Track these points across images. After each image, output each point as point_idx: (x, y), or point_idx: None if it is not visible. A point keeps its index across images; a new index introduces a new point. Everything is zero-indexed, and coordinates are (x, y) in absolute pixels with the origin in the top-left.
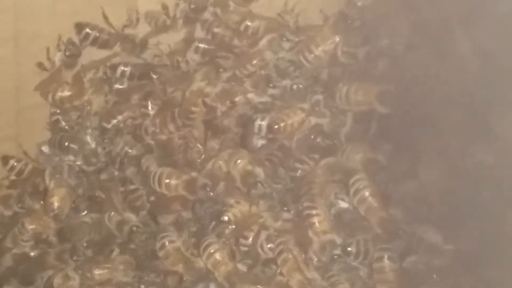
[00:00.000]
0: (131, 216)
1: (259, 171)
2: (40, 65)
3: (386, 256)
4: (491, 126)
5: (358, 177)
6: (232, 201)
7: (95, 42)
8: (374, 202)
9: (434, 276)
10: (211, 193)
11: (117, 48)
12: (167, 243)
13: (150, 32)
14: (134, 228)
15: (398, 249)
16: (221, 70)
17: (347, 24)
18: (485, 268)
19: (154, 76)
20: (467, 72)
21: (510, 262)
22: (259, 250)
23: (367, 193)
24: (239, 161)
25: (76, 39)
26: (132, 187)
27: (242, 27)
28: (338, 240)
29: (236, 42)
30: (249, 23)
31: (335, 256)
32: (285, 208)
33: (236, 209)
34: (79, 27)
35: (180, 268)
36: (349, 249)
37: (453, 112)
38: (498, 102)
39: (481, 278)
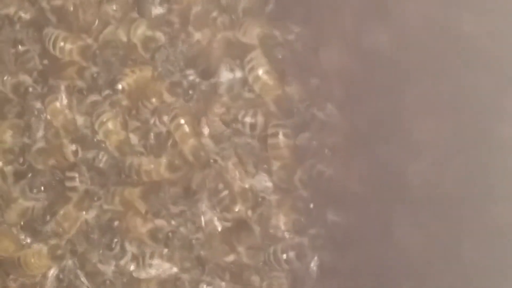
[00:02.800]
0: (25, 77)
1: (160, 35)
2: None
3: (281, 133)
4: (388, 6)
5: (254, 54)
6: (127, 70)
7: None
8: (270, 80)
9: (326, 151)
10: (106, 61)
11: None
12: (58, 104)
13: None
14: (30, 89)
15: (293, 126)
16: None
17: None
18: (378, 145)
19: None
20: None
21: (402, 139)
22: (151, 122)
23: (261, 71)
24: (138, 27)
25: None
26: (23, 48)
27: None
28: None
29: None
30: None
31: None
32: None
33: (131, 79)
34: None
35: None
36: (246, 119)
37: None
38: None
39: (373, 155)
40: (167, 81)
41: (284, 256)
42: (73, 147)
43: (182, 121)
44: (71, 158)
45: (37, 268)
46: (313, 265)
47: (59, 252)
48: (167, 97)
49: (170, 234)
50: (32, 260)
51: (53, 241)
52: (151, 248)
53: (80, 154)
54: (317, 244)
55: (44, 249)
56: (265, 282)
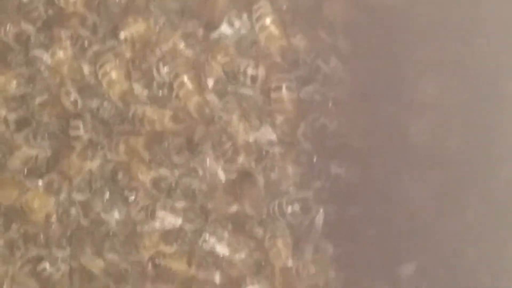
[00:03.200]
0: (27, 27)
1: None
2: None
3: (284, 86)
4: None
5: (262, 3)
6: (130, 19)
7: None
8: (275, 30)
9: (330, 104)
10: (109, 11)
11: None
12: (61, 53)
13: None
14: (32, 39)
15: (297, 79)
16: None
17: None
18: (382, 101)
19: None
20: None
21: (406, 96)
22: (155, 73)
23: (268, 21)
24: None
25: None
26: None
27: None
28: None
29: None
30: None
31: (233, 82)
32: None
33: (134, 28)
34: None
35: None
36: (248, 71)
37: None
38: None
39: (377, 111)
40: (170, 32)
41: (289, 209)
42: (72, 97)
43: (185, 79)
44: (72, 108)
45: (40, 212)
46: (318, 218)
47: (63, 196)
48: (171, 48)
49: (173, 184)
50: (35, 205)
51: (56, 186)
52: (155, 199)
53: (80, 104)
54: (321, 198)
55: (48, 193)
56: (268, 234)
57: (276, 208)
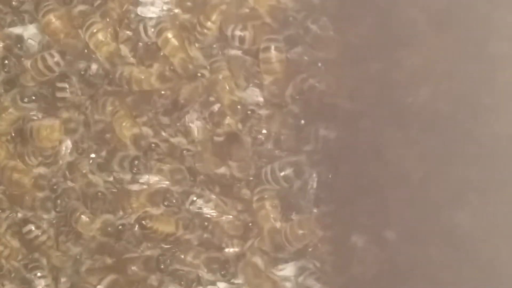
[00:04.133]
0: None
1: None
2: None
3: (273, 47)
4: None
5: None
6: None
7: None
8: None
9: (319, 64)
10: None
11: None
12: (53, 18)
13: None
14: None
15: (285, 40)
16: None
17: None
18: (370, 63)
19: None
20: None
21: (394, 57)
22: (142, 34)
23: None
24: None
25: None
26: None
27: None
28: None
29: None
30: None
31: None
32: None
33: None
34: None
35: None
36: (236, 32)
37: None
38: None
39: (366, 72)
40: None
41: (282, 173)
42: (55, 58)
43: (170, 35)
44: (55, 69)
45: (27, 176)
46: (311, 181)
47: (72, 125)
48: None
49: (153, 144)
50: (44, 133)
51: (65, 115)
52: (142, 160)
53: (62, 64)
54: (313, 160)
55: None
56: (256, 195)
57: (269, 173)
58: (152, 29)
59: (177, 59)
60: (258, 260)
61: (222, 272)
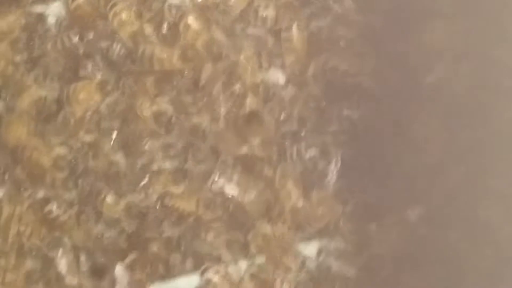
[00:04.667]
0: None
1: None
2: None
3: (295, 26)
4: None
5: None
6: None
7: None
8: None
9: (341, 44)
10: None
11: None
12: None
13: None
14: None
15: (308, 19)
16: None
17: None
18: (392, 43)
19: None
20: None
21: (416, 38)
22: (166, 13)
23: None
24: None
25: None
26: None
27: None
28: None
29: None
30: None
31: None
32: None
33: None
34: None
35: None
36: (259, 12)
37: None
38: None
39: (388, 52)
40: None
41: (306, 153)
42: (77, 37)
43: (192, 17)
44: (78, 48)
45: (48, 155)
46: (335, 161)
47: (109, 87)
48: None
49: (173, 119)
50: (81, 95)
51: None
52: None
53: (84, 43)
54: (337, 140)
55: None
56: (279, 174)
57: (293, 152)
58: (175, 10)
59: (200, 41)
60: (279, 239)
61: (243, 253)
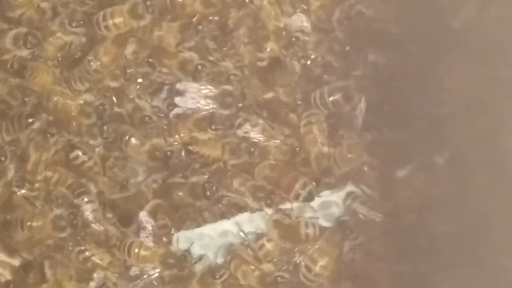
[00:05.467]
0: None
1: None
2: None
3: None
4: None
5: None
6: None
7: None
8: None
9: None
10: None
11: None
12: None
13: None
14: None
15: None
16: None
17: None
18: None
19: None
20: None
21: None
22: None
23: None
24: None
25: None
26: None
27: None
28: None
29: None
30: None
31: None
32: None
33: None
34: None
35: None
36: None
37: None
38: None
39: None
40: None
41: (331, 98)
42: None
43: None
44: None
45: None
46: (360, 106)
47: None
48: None
49: (199, 66)
50: (104, 59)
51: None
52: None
53: None
54: (362, 85)
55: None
56: (304, 120)
57: (318, 97)
58: None
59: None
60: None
61: (267, 202)
